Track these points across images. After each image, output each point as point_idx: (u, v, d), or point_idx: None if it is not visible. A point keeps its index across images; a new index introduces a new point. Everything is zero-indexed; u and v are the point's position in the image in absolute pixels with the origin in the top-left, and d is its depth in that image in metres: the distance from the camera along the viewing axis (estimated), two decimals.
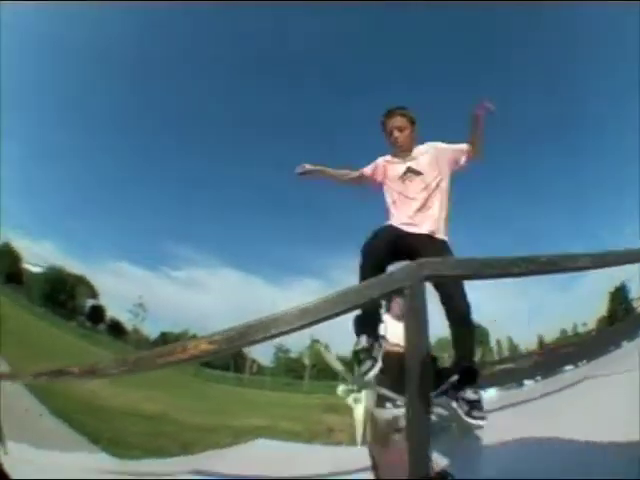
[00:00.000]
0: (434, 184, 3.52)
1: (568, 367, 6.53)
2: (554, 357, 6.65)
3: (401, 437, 2.73)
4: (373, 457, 4.75)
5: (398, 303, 6.26)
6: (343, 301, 1.56)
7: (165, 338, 69.59)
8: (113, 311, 76.55)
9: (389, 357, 5.95)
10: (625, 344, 7.26)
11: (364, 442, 6.57)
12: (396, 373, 5.76)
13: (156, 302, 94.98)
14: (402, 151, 3.78)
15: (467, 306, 3.28)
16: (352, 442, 7.79)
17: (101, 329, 71.56)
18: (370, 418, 6.34)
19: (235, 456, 4.75)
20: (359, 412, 7.06)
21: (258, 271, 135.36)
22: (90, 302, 73.99)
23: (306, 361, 71.11)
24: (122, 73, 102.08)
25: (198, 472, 3.87)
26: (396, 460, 2.93)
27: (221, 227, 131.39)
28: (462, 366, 3.43)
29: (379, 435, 4.38)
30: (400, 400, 5.35)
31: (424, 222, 3.43)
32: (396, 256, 3.32)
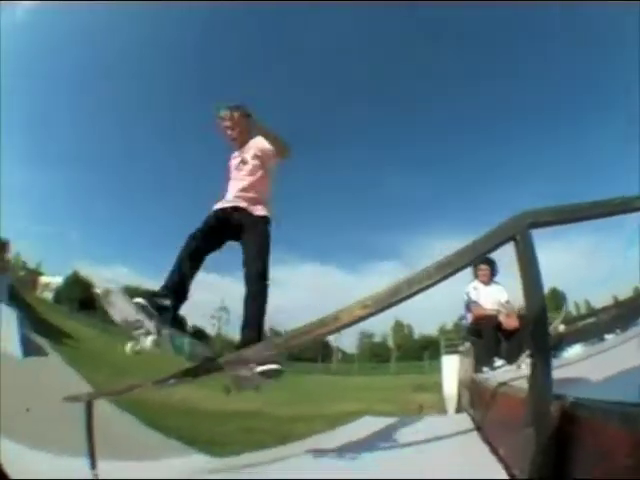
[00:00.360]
0: (257, 171, 3.96)
1: None
2: (632, 309, 6.19)
3: (505, 396, 2.63)
4: (475, 420, 4.71)
5: (483, 270, 6.64)
6: (465, 256, 1.70)
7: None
8: (194, 319, 78.96)
9: (484, 320, 6.15)
10: None
11: (459, 410, 6.56)
12: (492, 336, 5.91)
13: (236, 306, 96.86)
14: (238, 145, 4.14)
15: (262, 268, 3.61)
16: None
17: None
18: (469, 384, 6.41)
19: (341, 435, 4.61)
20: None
21: (332, 260, 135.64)
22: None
23: (391, 343, 71.29)
24: None
25: (314, 450, 3.83)
26: (501, 419, 2.85)
27: (291, 222, 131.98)
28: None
29: (481, 398, 4.24)
30: (498, 362, 5.58)
31: (247, 200, 3.87)
32: (222, 233, 3.77)
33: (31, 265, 71.95)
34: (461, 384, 6.87)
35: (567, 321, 6.80)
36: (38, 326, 19.66)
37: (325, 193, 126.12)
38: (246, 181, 3.92)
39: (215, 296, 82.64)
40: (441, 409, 9.69)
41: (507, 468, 2.39)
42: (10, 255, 58.55)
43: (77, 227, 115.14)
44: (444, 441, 3.59)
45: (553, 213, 1.69)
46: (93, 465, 3.55)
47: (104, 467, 3.67)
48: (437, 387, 9.06)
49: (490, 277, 6.69)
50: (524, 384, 2.70)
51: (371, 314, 1.78)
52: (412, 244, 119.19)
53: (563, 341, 6.12)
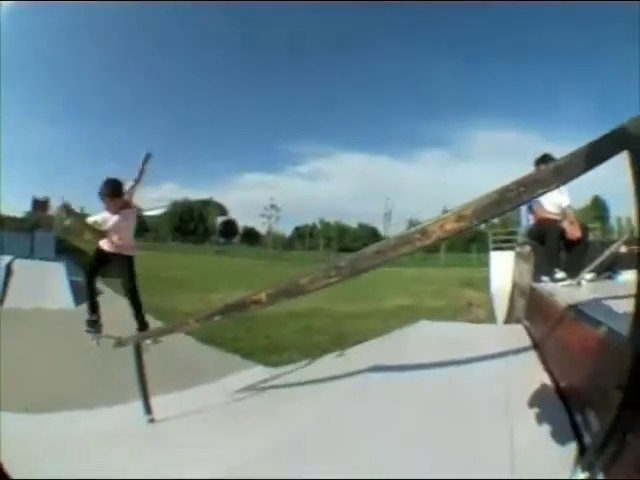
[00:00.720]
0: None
1: None
2: None
3: (573, 320, 2.61)
4: (529, 329, 4.70)
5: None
6: (572, 168, 1.41)
7: (300, 232, 71.84)
8: (244, 219, 79.93)
9: (549, 224, 5.69)
10: None
11: (511, 314, 6.41)
12: (556, 244, 5.53)
13: (287, 201, 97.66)
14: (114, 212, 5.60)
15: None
16: (490, 318, 7.76)
17: (236, 242, 75.51)
18: (526, 291, 6.13)
19: (400, 340, 4.69)
20: None
21: (381, 149, 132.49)
22: (221, 220, 77.55)
23: None
24: None
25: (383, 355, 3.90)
26: (563, 342, 2.86)
27: (338, 113, 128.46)
28: None
29: (542, 313, 4.20)
30: (559, 274, 5.29)
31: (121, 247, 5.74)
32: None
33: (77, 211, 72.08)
34: (515, 288, 6.69)
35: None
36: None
37: (374, 84, 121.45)
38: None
39: (263, 194, 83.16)
40: (487, 310, 9.64)
41: (559, 391, 2.47)
42: (52, 211, 59.68)
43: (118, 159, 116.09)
44: (498, 353, 3.54)
45: None
46: (148, 409, 3.60)
47: (159, 407, 3.75)
48: (485, 284, 8.95)
49: None
50: (592, 307, 2.83)
51: (467, 228, 1.58)
52: (461, 134, 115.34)
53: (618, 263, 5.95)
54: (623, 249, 5.89)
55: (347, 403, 2.76)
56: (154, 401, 3.85)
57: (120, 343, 3.67)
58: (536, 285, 5.43)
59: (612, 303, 2.96)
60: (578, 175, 1.39)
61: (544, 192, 1.43)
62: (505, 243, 11.79)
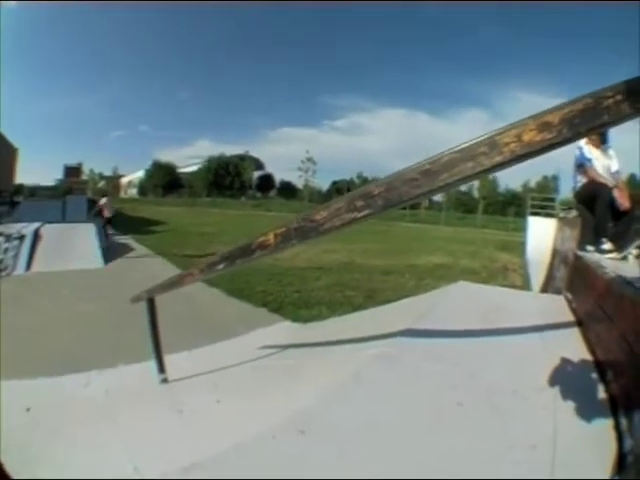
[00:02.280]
0: None
1: None
2: None
3: (620, 296, 2.38)
4: (571, 302, 4.51)
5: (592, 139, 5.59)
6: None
7: (338, 187, 71.97)
8: (281, 174, 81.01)
9: (601, 188, 5.33)
10: None
11: (549, 289, 6.13)
12: (607, 209, 5.21)
13: (324, 155, 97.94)
14: None
15: None
16: (525, 285, 7.50)
17: (273, 196, 76.38)
18: (569, 260, 5.83)
19: (436, 301, 4.46)
20: None
21: (421, 106, 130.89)
22: (257, 174, 78.11)
23: (476, 194, 70.34)
24: None
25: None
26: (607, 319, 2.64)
27: (375, 66, 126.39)
28: None
29: (587, 286, 3.94)
30: (606, 244, 5.05)
31: None
32: None
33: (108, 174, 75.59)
34: (556, 256, 6.42)
35: None
36: (125, 229, 20.64)
37: (415, 42, 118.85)
38: None
39: (300, 148, 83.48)
40: (522, 275, 9.47)
41: (600, 372, 2.34)
42: (85, 176, 61.00)
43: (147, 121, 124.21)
44: (539, 326, 3.38)
45: None
46: (161, 368, 3.46)
47: (179, 364, 3.69)
48: (521, 248, 8.84)
49: (600, 140, 5.65)
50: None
51: (556, 141, 1.14)
52: (502, 95, 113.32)
53: None
54: None
55: (377, 367, 2.61)
56: (175, 358, 3.80)
57: (135, 299, 3.55)
58: (581, 254, 5.11)
59: None
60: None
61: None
62: (543, 209, 11.54)
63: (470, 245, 23.53)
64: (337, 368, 2.88)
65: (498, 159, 1.19)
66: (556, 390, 2.12)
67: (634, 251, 4.94)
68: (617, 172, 5.61)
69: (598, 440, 1.71)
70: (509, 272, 13.21)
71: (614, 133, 5.37)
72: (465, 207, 68.39)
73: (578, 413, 1.89)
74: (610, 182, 5.36)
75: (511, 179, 69.74)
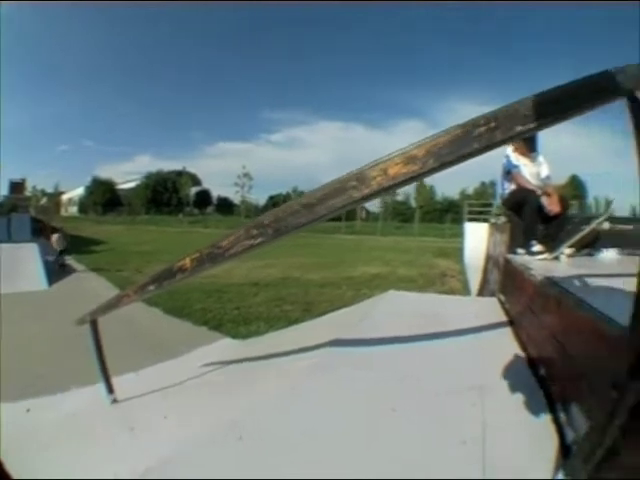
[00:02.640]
0: None
1: None
2: None
3: (550, 298, 2.47)
4: (503, 304, 4.61)
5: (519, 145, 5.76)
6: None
7: (275, 201, 72.28)
8: (217, 190, 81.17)
9: (527, 193, 5.47)
10: None
11: (485, 292, 6.23)
12: (534, 213, 5.27)
13: (260, 170, 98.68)
14: None
15: None
16: (465, 290, 7.60)
17: (210, 212, 76.34)
18: (500, 263, 5.94)
19: (367, 310, 4.49)
20: None
21: (358, 118, 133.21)
22: (194, 190, 78.10)
23: (413, 203, 71.86)
24: None
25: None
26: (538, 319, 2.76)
27: (311, 79, 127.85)
28: None
29: (517, 287, 4.07)
30: (536, 246, 5.18)
31: None
32: None
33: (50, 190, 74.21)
34: (489, 260, 6.58)
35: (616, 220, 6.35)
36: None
37: (350, 54, 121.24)
38: None
39: (237, 163, 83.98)
40: (461, 280, 9.70)
41: (533, 369, 2.40)
42: (28, 192, 59.54)
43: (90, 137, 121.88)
44: (470, 328, 3.46)
45: None
46: (109, 388, 3.40)
47: (122, 387, 3.55)
48: (459, 254, 9.09)
49: (529, 146, 5.79)
50: (570, 283, 2.67)
51: (422, 173, 1.25)
52: (438, 105, 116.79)
53: (597, 243, 5.82)
54: (605, 226, 5.82)
55: (310, 377, 2.68)
56: (122, 379, 3.73)
57: (80, 321, 3.47)
58: (511, 257, 5.29)
59: (592, 280, 2.87)
60: (562, 117, 1.14)
61: (521, 132, 1.16)
62: (480, 215, 11.82)
63: (407, 254, 23.93)
64: (273, 380, 2.91)
65: (366, 192, 1.33)
66: (486, 388, 2.18)
67: (566, 251, 5.15)
68: (547, 178, 5.77)
69: (536, 433, 1.76)
70: (447, 278, 13.49)
71: (550, 138, 5.55)
72: (403, 216, 69.85)
73: (510, 408, 1.95)
74: (538, 188, 5.51)
75: (448, 187, 71.78)
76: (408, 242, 37.37)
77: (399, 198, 79.18)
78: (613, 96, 1.09)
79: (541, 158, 5.88)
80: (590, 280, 2.88)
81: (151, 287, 2.35)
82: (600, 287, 2.67)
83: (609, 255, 5.49)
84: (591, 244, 5.76)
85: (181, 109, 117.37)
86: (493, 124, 1.14)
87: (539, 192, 5.42)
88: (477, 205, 17.62)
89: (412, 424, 1.95)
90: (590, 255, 5.61)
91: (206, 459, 1.86)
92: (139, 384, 3.80)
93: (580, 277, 2.98)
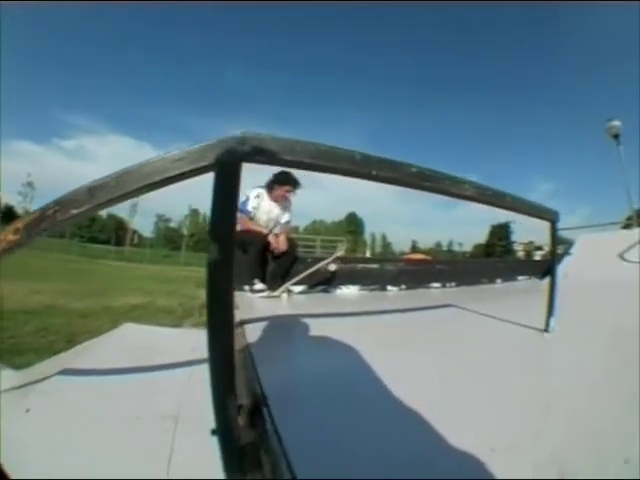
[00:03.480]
0: None
1: (435, 284, 6.63)
2: (421, 270, 6.98)
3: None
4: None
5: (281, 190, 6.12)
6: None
7: None
8: (7, 196, 73.49)
9: (251, 235, 5.76)
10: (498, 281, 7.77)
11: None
12: (257, 255, 5.71)
13: (46, 178, 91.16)
14: None
15: None
16: None
17: None
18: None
19: (101, 343, 4.35)
20: None
21: (147, 137, 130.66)
22: None
23: (185, 231, 71.83)
24: None
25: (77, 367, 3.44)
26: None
27: (111, 92, 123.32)
28: None
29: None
30: (258, 285, 5.64)
31: None
32: None
33: None
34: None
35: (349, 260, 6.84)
36: None
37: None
38: None
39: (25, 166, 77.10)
40: None
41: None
42: None
43: None
44: (190, 360, 3.25)
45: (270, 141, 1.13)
46: None
47: None
48: None
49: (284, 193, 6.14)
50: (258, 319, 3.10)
51: (22, 241, 1.30)
52: (224, 127, 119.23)
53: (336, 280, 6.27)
54: (333, 267, 6.16)
55: (44, 403, 2.62)
56: None
57: None
58: (237, 294, 5.28)
59: (286, 315, 3.53)
60: (121, 199, 1.15)
61: (80, 214, 1.16)
62: None
63: (171, 283, 24.16)
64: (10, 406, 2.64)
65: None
66: (177, 416, 2.41)
67: (296, 289, 5.75)
68: (287, 222, 6.33)
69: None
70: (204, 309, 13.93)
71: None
72: (174, 244, 69.26)
73: (198, 433, 1.86)
74: (268, 229, 6.06)
75: None
76: (174, 271, 37.60)
77: (172, 225, 78.68)
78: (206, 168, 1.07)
79: (291, 203, 6.38)
80: (281, 314, 3.48)
81: None
82: (282, 321, 3.21)
83: (345, 292, 5.98)
84: (328, 281, 6.17)
85: None
86: (57, 207, 1.18)
87: (265, 232, 5.93)
88: None
89: (106, 445, 2.15)
90: (326, 292, 6.03)
91: None
92: None
93: (285, 313, 3.67)
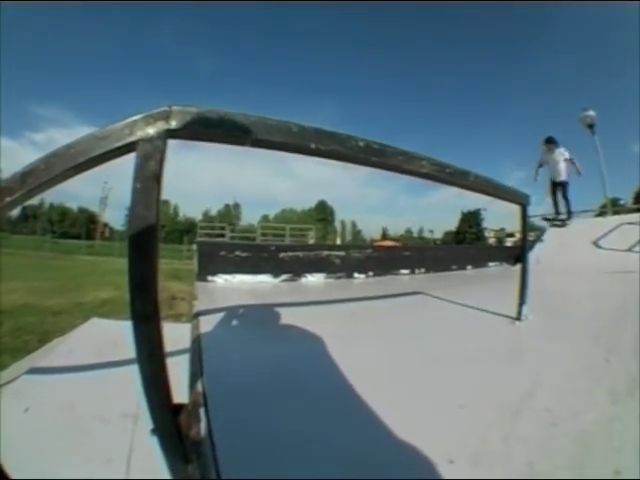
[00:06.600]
0: None
1: (403, 270, 6.37)
2: (390, 257, 6.49)
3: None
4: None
5: None
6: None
7: (25, 212, 66.64)
8: None
9: None
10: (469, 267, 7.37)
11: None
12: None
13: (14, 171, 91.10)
14: None
15: None
16: (192, 313, 8.31)
17: None
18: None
19: (69, 339, 4.45)
20: None
21: None
22: None
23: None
24: None
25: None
26: None
27: (79, 81, 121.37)
28: None
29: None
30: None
31: None
32: None
33: None
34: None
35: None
36: None
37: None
38: None
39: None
40: (191, 303, 9.60)
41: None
42: None
43: None
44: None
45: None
46: None
47: None
48: (190, 276, 9.32)
49: None
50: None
51: None
52: None
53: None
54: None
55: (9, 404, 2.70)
56: None
57: None
58: (199, 284, 4.81)
59: (247, 305, 3.10)
60: (50, 184, 1.07)
61: (13, 201, 1.04)
62: (221, 236, 11.84)
63: None
64: None
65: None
66: (137, 414, 2.49)
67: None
68: None
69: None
70: (177, 301, 13.93)
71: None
72: None
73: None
74: None
75: (190, 208, 72.10)
76: None
77: None
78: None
79: None
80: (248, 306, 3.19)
81: None
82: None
83: (310, 280, 5.71)
84: (292, 270, 5.65)
85: None
86: None
87: None
88: (208, 227, 17.20)
89: (67, 447, 2.23)
90: (290, 280, 5.59)
91: None
92: None
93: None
